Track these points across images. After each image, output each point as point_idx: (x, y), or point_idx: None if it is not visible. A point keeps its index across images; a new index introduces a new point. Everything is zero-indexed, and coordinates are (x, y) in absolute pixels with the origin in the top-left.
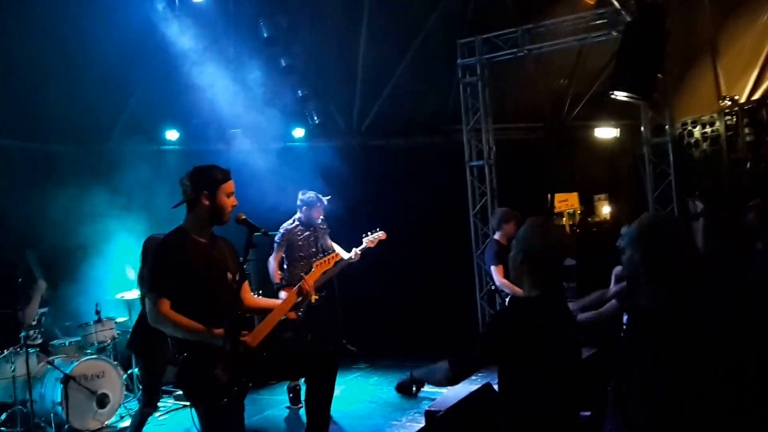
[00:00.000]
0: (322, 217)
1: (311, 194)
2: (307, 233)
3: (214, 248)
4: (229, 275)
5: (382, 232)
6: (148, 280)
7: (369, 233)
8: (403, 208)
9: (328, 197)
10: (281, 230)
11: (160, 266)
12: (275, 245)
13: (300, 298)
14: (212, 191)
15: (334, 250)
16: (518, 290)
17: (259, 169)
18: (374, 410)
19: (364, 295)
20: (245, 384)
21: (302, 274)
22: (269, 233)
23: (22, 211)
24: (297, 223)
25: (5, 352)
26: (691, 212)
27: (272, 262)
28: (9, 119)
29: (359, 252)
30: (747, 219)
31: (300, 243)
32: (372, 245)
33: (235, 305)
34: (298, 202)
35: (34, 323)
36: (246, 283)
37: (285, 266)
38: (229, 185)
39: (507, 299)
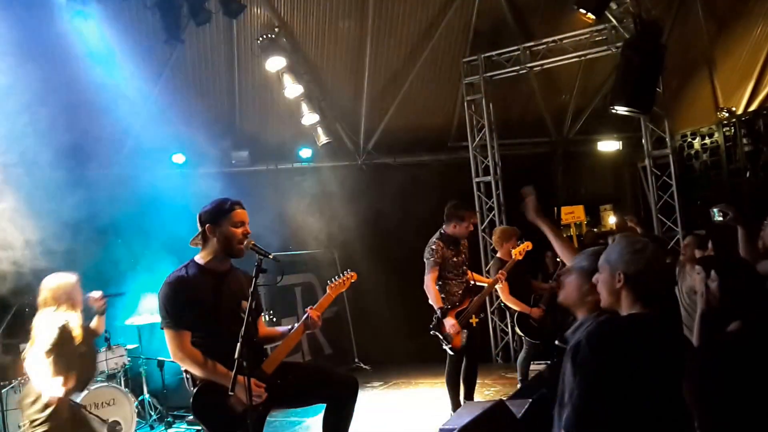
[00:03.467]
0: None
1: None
2: (454, 249)
3: (228, 277)
4: (244, 303)
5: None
6: (164, 314)
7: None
8: (411, 225)
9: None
10: (432, 246)
11: (173, 299)
12: (429, 263)
13: (308, 331)
14: (216, 223)
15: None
16: (525, 307)
17: (267, 190)
18: (388, 428)
19: (375, 313)
20: (262, 413)
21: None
22: (277, 258)
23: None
24: (440, 236)
25: (13, 382)
26: (719, 220)
27: (430, 283)
28: None
29: (504, 272)
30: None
31: (455, 259)
32: (520, 257)
33: (250, 334)
34: (447, 216)
35: None
36: (261, 317)
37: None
38: (237, 214)
39: (515, 315)
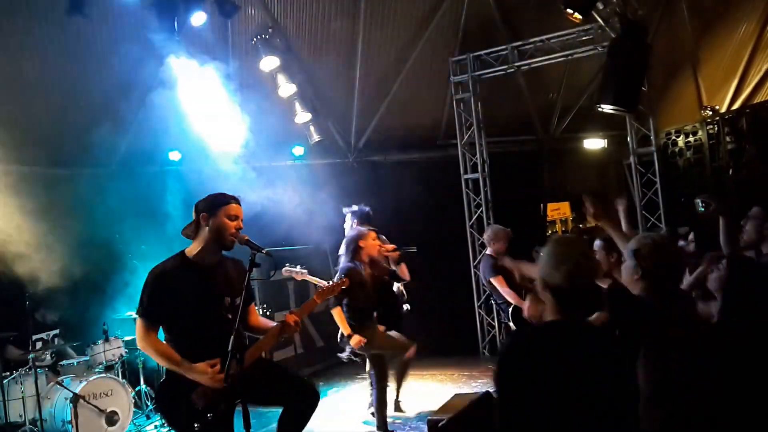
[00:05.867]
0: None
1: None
2: None
3: (216, 271)
4: (227, 299)
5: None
6: (139, 301)
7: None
8: (401, 221)
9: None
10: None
11: (151, 292)
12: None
13: (285, 335)
14: (211, 213)
15: None
16: (522, 302)
17: (261, 187)
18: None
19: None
20: (226, 410)
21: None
22: (270, 253)
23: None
24: None
25: (14, 373)
26: (702, 210)
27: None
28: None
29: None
30: (748, 227)
31: None
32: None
33: (228, 330)
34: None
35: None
36: (252, 305)
37: None
38: (232, 208)
39: (509, 310)
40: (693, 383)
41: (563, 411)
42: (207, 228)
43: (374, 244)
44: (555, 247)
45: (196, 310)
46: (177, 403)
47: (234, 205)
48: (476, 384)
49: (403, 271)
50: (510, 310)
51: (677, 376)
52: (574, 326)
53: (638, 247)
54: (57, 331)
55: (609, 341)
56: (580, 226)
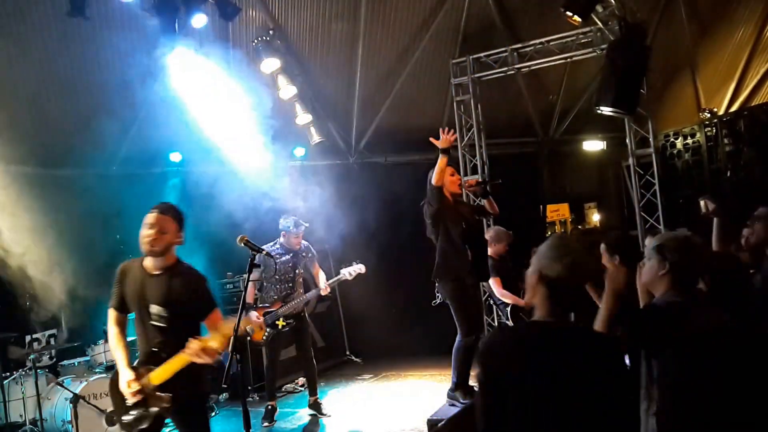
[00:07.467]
0: (304, 243)
1: (290, 221)
2: (286, 257)
3: (154, 278)
4: (154, 308)
5: (362, 265)
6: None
7: (350, 264)
8: (401, 223)
9: (307, 224)
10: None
11: (113, 283)
12: None
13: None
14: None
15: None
16: (519, 300)
17: (262, 189)
18: (378, 419)
19: (367, 307)
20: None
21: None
22: (270, 253)
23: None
24: (278, 246)
25: (15, 373)
26: (703, 211)
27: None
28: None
29: (328, 286)
30: (754, 227)
31: (276, 266)
32: (350, 278)
33: (156, 338)
34: (279, 227)
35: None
36: (214, 313)
37: (263, 287)
38: (145, 218)
39: (508, 309)
40: (716, 385)
41: (541, 412)
42: None
43: (454, 180)
44: (557, 240)
45: (135, 312)
46: (112, 383)
47: (148, 215)
48: (475, 384)
49: (492, 204)
50: (508, 309)
51: (701, 377)
52: (563, 326)
53: (662, 242)
54: (54, 332)
55: (598, 343)
56: (579, 227)
